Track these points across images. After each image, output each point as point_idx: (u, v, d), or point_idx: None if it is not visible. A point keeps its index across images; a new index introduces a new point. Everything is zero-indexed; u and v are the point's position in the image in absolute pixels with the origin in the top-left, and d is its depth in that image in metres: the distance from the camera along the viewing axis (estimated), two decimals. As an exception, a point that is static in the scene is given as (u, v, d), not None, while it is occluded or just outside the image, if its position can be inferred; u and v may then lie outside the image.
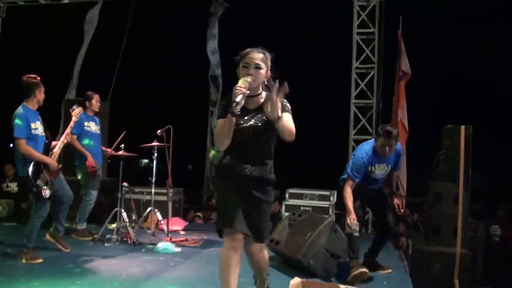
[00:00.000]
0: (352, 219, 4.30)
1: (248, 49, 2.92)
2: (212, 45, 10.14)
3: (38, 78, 4.99)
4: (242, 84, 2.75)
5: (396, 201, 5.05)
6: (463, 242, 7.20)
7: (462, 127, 7.46)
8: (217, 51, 10.27)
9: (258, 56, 2.90)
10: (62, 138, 5.14)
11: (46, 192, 4.84)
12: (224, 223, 2.88)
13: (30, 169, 4.76)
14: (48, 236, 5.29)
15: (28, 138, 4.80)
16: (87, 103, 6.17)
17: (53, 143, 5.14)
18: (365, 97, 8.32)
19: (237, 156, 2.93)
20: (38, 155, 4.85)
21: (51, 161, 4.95)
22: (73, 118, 5.36)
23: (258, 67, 2.87)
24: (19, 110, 4.85)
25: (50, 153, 5.03)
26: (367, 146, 4.65)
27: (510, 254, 9.58)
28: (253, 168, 2.93)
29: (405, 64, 7.86)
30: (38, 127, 4.93)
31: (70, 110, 5.42)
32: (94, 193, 6.09)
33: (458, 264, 6.97)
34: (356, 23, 8.37)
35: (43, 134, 5.00)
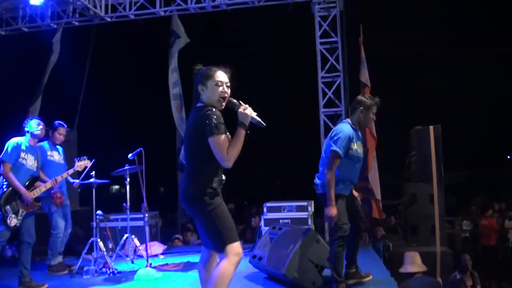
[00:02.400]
0: (333, 213, 4.15)
1: (218, 68, 3.13)
2: (174, 77, 10.09)
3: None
4: (244, 105, 3.12)
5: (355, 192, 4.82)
6: (442, 240, 7.31)
7: (431, 127, 7.61)
8: (179, 84, 10.18)
9: (227, 76, 3.14)
10: (53, 179, 5.39)
11: (12, 221, 4.84)
12: (233, 237, 3.05)
13: (4, 194, 4.86)
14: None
15: (13, 165, 5.03)
16: (50, 131, 6.02)
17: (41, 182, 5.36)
18: (333, 105, 8.38)
19: (220, 173, 3.18)
20: (16, 183, 4.95)
21: (26, 193, 4.98)
22: (76, 168, 5.75)
23: (229, 87, 3.13)
24: (19, 139, 5.22)
25: (32, 187, 5.14)
26: (346, 124, 4.54)
27: (484, 248, 9.75)
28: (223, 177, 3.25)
29: (363, 75, 7.99)
30: (27, 159, 5.17)
31: (79, 159, 5.82)
32: (62, 225, 5.87)
33: (439, 263, 7.07)
34: (318, 33, 8.46)
35: (33, 168, 5.22)
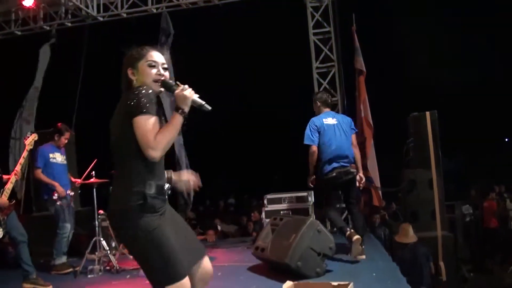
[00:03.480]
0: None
1: (149, 47, 2.58)
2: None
3: None
4: (182, 86, 2.47)
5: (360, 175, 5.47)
6: (442, 224, 7.36)
7: (427, 113, 7.64)
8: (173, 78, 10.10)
9: (163, 57, 2.60)
10: (14, 171, 5.02)
11: None
12: (172, 276, 2.30)
13: None
14: (24, 285, 5.11)
15: None
16: (56, 135, 6.04)
17: (5, 177, 5.02)
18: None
19: (159, 175, 2.45)
20: None
21: (1, 200, 4.84)
22: (27, 147, 5.24)
23: (166, 68, 2.56)
24: None
25: (2, 190, 4.93)
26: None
27: (485, 231, 9.81)
28: (167, 184, 2.60)
29: (359, 62, 8.00)
30: None
31: (24, 137, 5.35)
32: (68, 226, 5.91)
33: (441, 247, 7.12)
34: (311, 24, 8.46)
35: None
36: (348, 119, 5.64)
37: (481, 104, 20.86)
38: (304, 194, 6.93)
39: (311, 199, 7.03)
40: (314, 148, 5.36)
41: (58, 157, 6.06)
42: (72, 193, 6.18)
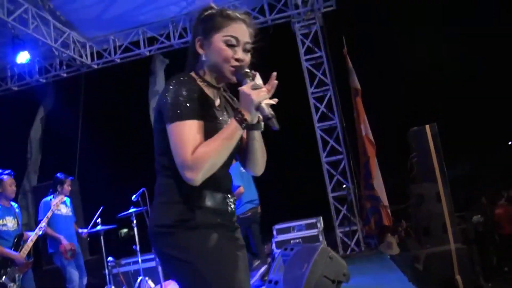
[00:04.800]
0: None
1: (236, 13, 1.87)
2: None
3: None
4: (258, 82, 1.79)
5: None
6: (455, 237, 7.28)
7: (427, 126, 7.62)
8: None
9: (250, 32, 1.89)
10: (36, 230, 5.05)
11: None
12: None
13: None
14: None
15: None
16: (58, 187, 6.04)
17: (26, 234, 5.02)
18: (328, 119, 8.43)
19: (216, 186, 1.85)
20: (5, 251, 4.73)
21: (18, 256, 4.80)
22: (53, 207, 5.28)
23: (248, 50, 1.88)
24: None
25: (21, 247, 4.91)
26: None
27: (501, 237, 9.66)
28: (231, 199, 1.94)
29: (353, 81, 8.07)
30: (7, 223, 4.86)
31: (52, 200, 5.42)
32: (76, 278, 5.83)
33: (455, 260, 7.02)
34: (302, 50, 8.56)
35: (15, 227, 4.92)
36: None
37: (481, 109, 20.88)
38: (313, 220, 6.89)
39: (321, 225, 6.98)
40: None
41: (63, 209, 6.04)
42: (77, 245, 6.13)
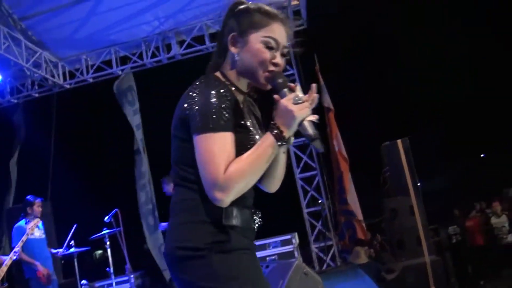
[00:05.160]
0: None
1: (274, 11, 1.68)
2: (136, 120, 9.99)
3: None
4: (300, 95, 1.59)
5: None
6: (429, 249, 7.37)
7: (399, 141, 7.76)
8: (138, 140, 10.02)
9: (288, 34, 1.70)
10: (11, 254, 4.97)
11: None
12: None
13: None
14: None
15: None
16: (28, 209, 5.96)
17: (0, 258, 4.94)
18: (301, 136, 8.49)
19: (243, 202, 1.67)
20: None
21: None
22: (28, 231, 5.22)
23: (285, 55, 1.70)
24: None
25: None
26: None
27: (472, 249, 9.83)
28: (259, 214, 1.79)
29: (326, 101, 8.18)
30: None
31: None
32: None
33: (430, 272, 7.10)
34: (274, 69, 8.65)
35: None
36: None
37: (453, 123, 21.33)
38: (288, 237, 6.92)
39: (296, 240, 7.00)
40: None
41: (36, 232, 5.94)
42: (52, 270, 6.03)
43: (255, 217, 1.74)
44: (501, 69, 20.11)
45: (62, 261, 7.74)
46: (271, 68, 1.64)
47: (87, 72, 9.16)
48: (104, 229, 6.03)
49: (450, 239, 10.24)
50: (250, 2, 1.70)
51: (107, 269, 6.12)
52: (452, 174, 22.70)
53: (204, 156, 1.49)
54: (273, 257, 6.73)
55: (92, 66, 9.16)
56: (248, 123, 1.70)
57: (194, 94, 1.58)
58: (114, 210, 6.01)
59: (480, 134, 21.94)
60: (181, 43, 8.85)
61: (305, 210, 8.36)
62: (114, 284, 6.15)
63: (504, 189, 13.95)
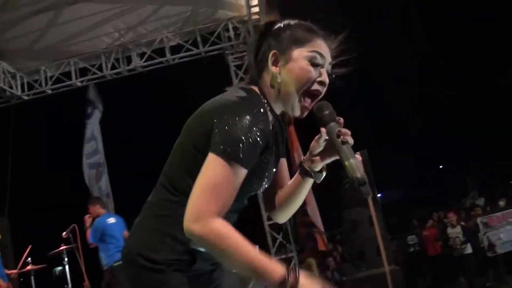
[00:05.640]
0: None
1: (316, 27, 1.55)
2: (91, 146, 9.82)
3: None
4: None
5: None
6: (388, 259, 7.52)
7: (358, 153, 7.92)
8: (101, 152, 9.85)
9: (332, 52, 1.57)
10: None
11: None
12: None
13: None
14: None
15: None
16: None
17: None
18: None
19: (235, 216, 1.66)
20: None
21: None
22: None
23: (330, 75, 1.56)
24: None
25: None
26: None
27: (429, 259, 10.07)
28: None
29: (286, 114, 8.28)
30: None
31: None
32: None
33: (390, 282, 7.24)
34: (236, 81, 8.69)
35: None
36: None
37: (412, 135, 21.85)
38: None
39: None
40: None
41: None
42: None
43: None
44: (455, 83, 20.78)
45: (21, 279, 7.54)
46: (317, 87, 1.51)
47: (46, 84, 9.00)
48: (62, 245, 5.92)
49: (408, 248, 10.47)
50: (286, 20, 1.57)
51: (65, 286, 5.99)
52: (411, 185, 23.21)
53: (207, 179, 1.34)
54: (234, 271, 6.72)
55: (51, 77, 9.00)
56: (268, 156, 1.52)
57: (230, 110, 1.38)
58: (72, 225, 5.91)
59: (438, 146, 22.56)
60: (141, 55, 8.83)
61: (266, 223, 8.39)
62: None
63: (462, 199, 14.40)
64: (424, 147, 22.04)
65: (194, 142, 1.46)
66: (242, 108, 1.38)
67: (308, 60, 1.48)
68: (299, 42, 1.49)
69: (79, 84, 9.07)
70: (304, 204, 7.67)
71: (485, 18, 18.93)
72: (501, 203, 10.62)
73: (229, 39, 8.63)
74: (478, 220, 9.76)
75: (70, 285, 5.99)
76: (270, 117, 1.53)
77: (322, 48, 1.50)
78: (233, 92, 1.47)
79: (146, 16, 8.18)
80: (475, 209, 10.76)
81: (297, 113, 1.54)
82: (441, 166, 28.86)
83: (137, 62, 8.73)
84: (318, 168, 1.63)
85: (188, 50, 8.65)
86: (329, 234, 8.92)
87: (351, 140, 1.46)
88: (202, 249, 1.46)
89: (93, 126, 9.89)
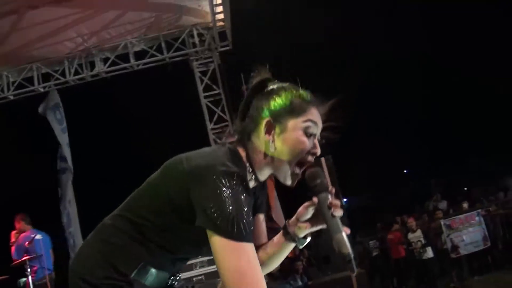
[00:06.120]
0: None
1: (308, 95, 1.55)
2: (65, 138, 9.64)
3: None
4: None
5: None
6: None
7: (322, 158, 8.01)
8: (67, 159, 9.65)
9: (322, 115, 1.56)
10: None
11: None
12: None
13: None
14: None
15: None
16: None
17: None
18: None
19: (166, 267, 1.66)
20: None
21: None
22: None
23: (320, 141, 1.56)
24: None
25: None
26: None
27: (394, 261, 10.25)
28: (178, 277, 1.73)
29: None
30: None
31: None
32: None
33: (356, 285, 7.35)
34: (201, 88, 8.69)
35: None
36: None
37: (377, 141, 22.20)
38: (215, 255, 6.89)
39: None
40: None
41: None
42: None
43: (172, 281, 1.63)
44: (420, 88, 21.25)
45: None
46: (309, 159, 1.49)
47: (8, 89, 8.82)
48: (25, 255, 5.78)
49: (372, 252, 10.65)
50: (281, 84, 1.56)
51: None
52: (376, 190, 23.57)
53: (234, 271, 1.31)
54: (200, 277, 6.69)
55: (13, 83, 8.83)
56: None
57: (215, 182, 1.32)
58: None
59: (402, 151, 23.00)
60: (105, 60, 8.74)
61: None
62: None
63: (426, 202, 14.71)
64: (388, 152, 22.42)
65: (172, 196, 1.43)
66: (227, 179, 1.33)
67: (303, 131, 1.48)
68: (295, 112, 1.48)
69: (42, 89, 8.92)
70: (269, 209, 7.70)
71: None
72: (465, 205, 10.91)
73: (194, 45, 8.63)
74: (442, 222, 10.01)
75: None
76: (252, 184, 1.52)
77: (316, 117, 1.50)
78: (218, 157, 1.41)
79: (110, 21, 8.12)
80: (436, 212, 11.02)
81: (289, 182, 1.52)
82: (405, 171, 29.40)
83: (100, 68, 8.65)
84: (302, 234, 1.61)
85: (152, 56, 8.62)
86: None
87: (340, 213, 1.43)
88: (146, 282, 1.48)
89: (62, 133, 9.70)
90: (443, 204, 13.27)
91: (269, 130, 1.48)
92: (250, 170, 1.50)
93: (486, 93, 19.90)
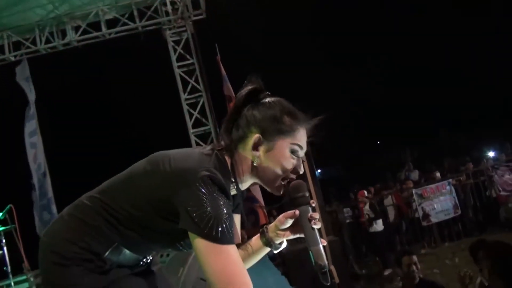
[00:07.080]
0: None
1: (299, 114, 1.60)
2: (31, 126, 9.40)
3: None
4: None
5: None
6: (327, 230, 7.79)
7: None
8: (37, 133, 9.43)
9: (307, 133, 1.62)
10: None
11: None
12: None
13: None
14: None
15: None
16: None
17: None
18: (202, 125, 8.56)
19: (141, 252, 1.70)
20: None
21: None
22: None
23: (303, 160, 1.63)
24: None
25: None
26: None
27: (365, 230, 10.47)
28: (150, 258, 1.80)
29: (227, 89, 8.28)
30: None
31: None
32: None
33: (329, 252, 7.52)
34: (174, 57, 8.61)
35: None
36: None
37: (352, 113, 22.41)
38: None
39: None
40: None
41: None
42: None
43: (144, 261, 1.67)
44: (391, 57, 21.34)
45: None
46: (292, 177, 1.58)
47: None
48: (-2, 226, 5.72)
49: (345, 220, 10.89)
50: (274, 99, 1.60)
51: (4, 268, 5.81)
52: (349, 161, 23.86)
53: (220, 273, 1.39)
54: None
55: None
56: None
57: (203, 188, 1.38)
58: (8, 206, 5.71)
59: (375, 122, 23.28)
60: (76, 28, 8.56)
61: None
62: (12, 284, 5.84)
63: (398, 173, 14.96)
64: (361, 124, 22.69)
65: (153, 193, 1.47)
66: (210, 184, 1.40)
67: (290, 150, 1.54)
68: (284, 132, 1.54)
69: (13, 58, 8.73)
70: (249, 191, 7.76)
71: None
72: (437, 174, 11.14)
73: (167, 13, 8.51)
74: (413, 191, 10.24)
75: (9, 267, 5.82)
76: (233, 192, 1.57)
77: (302, 138, 1.57)
78: (203, 161, 1.47)
79: (81, -14, 7.94)
80: (406, 182, 11.24)
81: (274, 192, 1.60)
82: (378, 142, 29.76)
83: (72, 36, 8.47)
84: (279, 241, 1.68)
85: (124, 24, 8.48)
86: (268, 208, 9.07)
87: (319, 226, 1.53)
88: (118, 260, 1.53)
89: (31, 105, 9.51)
90: (415, 174, 13.50)
91: (256, 146, 1.54)
92: (233, 180, 1.56)
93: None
